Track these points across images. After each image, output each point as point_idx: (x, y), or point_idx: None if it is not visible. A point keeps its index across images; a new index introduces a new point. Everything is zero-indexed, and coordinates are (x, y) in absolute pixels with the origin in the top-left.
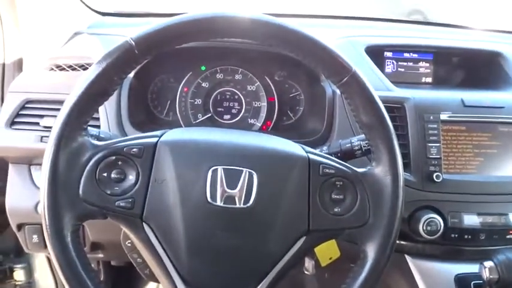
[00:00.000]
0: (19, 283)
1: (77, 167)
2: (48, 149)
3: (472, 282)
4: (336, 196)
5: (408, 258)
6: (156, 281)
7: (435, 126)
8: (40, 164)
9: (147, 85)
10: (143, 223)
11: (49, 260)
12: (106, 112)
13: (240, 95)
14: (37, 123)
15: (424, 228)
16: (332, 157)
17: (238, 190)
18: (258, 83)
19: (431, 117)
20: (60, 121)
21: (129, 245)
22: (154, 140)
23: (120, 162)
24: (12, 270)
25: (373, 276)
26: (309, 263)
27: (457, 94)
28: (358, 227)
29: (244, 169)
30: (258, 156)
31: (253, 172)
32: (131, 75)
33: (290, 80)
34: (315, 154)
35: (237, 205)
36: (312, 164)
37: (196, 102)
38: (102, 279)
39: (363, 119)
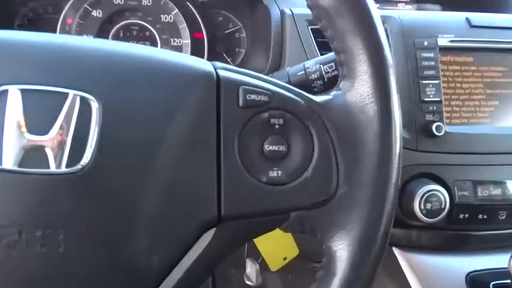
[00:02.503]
0: None
1: None
2: None
3: (492, 284)
4: (271, 147)
5: (397, 251)
6: None
7: (431, 55)
8: None
9: (13, 16)
10: None
11: None
12: None
13: (152, 29)
14: None
15: (422, 206)
16: (264, 75)
17: (54, 136)
18: (176, 10)
19: (426, 43)
20: None
21: None
22: None
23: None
24: None
25: None
26: (251, 268)
27: (459, 14)
28: (315, 205)
29: (71, 91)
30: (105, 67)
31: (91, 98)
32: None
33: (223, 9)
34: (231, 70)
35: (53, 168)
36: (224, 87)
37: None
38: None
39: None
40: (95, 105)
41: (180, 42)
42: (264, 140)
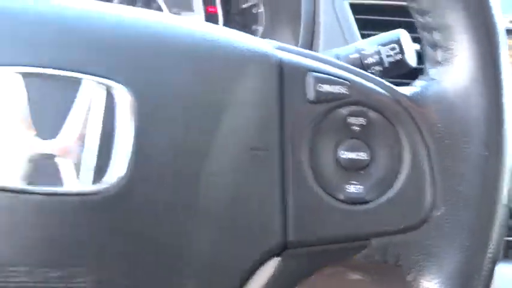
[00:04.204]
0: None
1: None
2: None
3: None
4: (349, 154)
5: None
6: None
7: None
8: None
9: None
10: None
11: None
12: None
13: (161, 2)
14: None
15: None
16: (336, 61)
17: (69, 140)
18: None
19: None
20: None
21: None
22: None
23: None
24: None
25: None
26: None
27: None
28: (404, 230)
29: (92, 77)
30: (135, 46)
31: (119, 86)
32: None
33: None
34: (293, 52)
35: (67, 187)
36: (288, 73)
37: None
38: None
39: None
40: (125, 96)
41: (192, 17)
42: (339, 145)
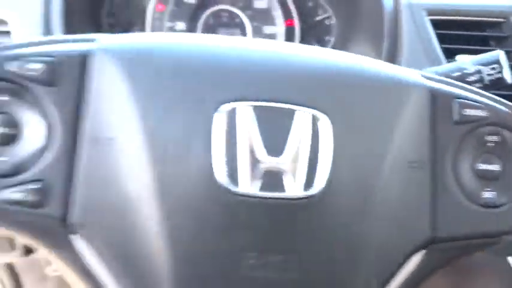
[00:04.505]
0: None
1: None
2: None
3: None
4: (485, 166)
5: None
6: None
7: None
8: None
9: (99, 2)
10: (71, 235)
11: None
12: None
13: (244, 16)
14: None
15: None
16: (472, 87)
17: (289, 157)
18: None
19: None
20: None
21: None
22: (85, 46)
23: (5, 98)
24: None
25: None
26: None
27: None
28: None
29: (302, 108)
30: (328, 81)
31: (322, 115)
32: None
33: None
34: (441, 81)
35: (288, 193)
36: (437, 100)
37: (177, 27)
38: None
39: None
40: (326, 122)
41: (273, 31)
42: (477, 158)
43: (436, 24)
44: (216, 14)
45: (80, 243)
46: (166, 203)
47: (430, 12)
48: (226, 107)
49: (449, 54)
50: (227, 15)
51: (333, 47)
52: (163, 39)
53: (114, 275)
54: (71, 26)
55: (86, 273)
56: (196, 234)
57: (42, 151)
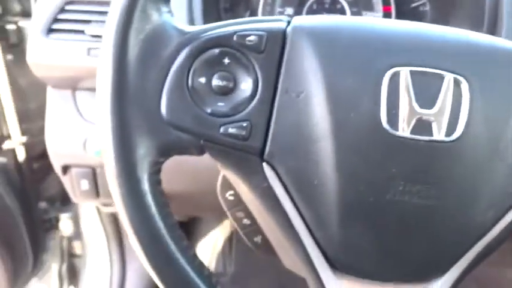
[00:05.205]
0: (66, 235)
1: (156, 67)
2: (111, 34)
3: None
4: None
5: None
6: (272, 253)
7: None
8: (88, 89)
9: None
10: (264, 164)
11: (98, 210)
12: None
13: (344, 2)
14: (81, 32)
15: None
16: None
17: (437, 110)
18: None
19: None
20: None
21: (232, 198)
22: (283, 24)
23: (227, 60)
24: (58, 220)
25: None
26: None
27: None
28: None
29: (447, 73)
30: (467, 52)
31: (462, 79)
32: None
33: None
34: None
35: (435, 137)
36: None
37: (285, 12)
38: None
39: None
40: (465, 85)
41: (371, 16)
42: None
43: None
44: (319, 1)
45: (270, 172)
46: (342, 143)
47: None
48: (392, 71)
49: None
50: (329, 1)
51: None
52: (341, 19)
53: (296, 199)
54: (207, 14)
55: (271, 197)
56: (362, 167)
57: (250, 99)
